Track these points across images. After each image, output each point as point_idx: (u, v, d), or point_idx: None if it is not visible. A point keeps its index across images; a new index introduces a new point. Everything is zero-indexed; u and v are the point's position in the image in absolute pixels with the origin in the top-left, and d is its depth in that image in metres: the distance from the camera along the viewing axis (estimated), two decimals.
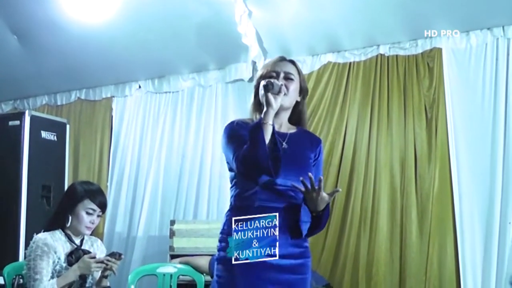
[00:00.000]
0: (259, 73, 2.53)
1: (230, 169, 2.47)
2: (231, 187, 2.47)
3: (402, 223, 4.51)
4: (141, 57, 5.54)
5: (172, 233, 4.80)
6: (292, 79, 2.47)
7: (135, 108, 6.03)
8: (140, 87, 6.02)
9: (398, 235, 4.51)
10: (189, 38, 5.15)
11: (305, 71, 5.03)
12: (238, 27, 4.77)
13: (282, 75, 2.45)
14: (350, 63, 4.92)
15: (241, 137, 2.35)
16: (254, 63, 5.13)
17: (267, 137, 2.28)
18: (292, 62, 2.55)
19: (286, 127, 2.52)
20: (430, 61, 4.58)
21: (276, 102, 2.31)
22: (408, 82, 4.65)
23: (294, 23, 4.80)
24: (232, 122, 2.48)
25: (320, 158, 2.55)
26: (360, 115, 4.80)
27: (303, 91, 2.53)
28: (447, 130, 4.40)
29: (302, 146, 2.49)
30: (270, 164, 2.27)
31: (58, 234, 3.18)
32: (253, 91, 2.54)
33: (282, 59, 2.54)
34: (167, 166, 5.68)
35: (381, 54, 4.78)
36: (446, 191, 4.37)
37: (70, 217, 3.20)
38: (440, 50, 4.53)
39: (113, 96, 6.17)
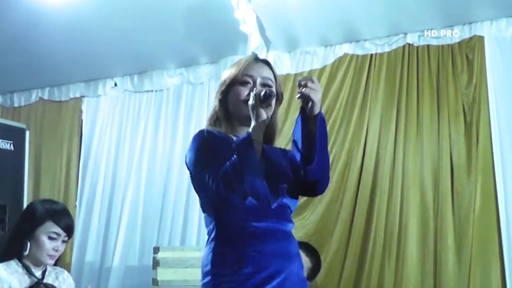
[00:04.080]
0: (228, 75, 2.50)
1: (200, 192, 2.39)
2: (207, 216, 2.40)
3: (435, 249, 4.49)
4: (117, 49, 5.52)
5: (156, 263, 4.75)
6: (271, 86, 2.45)
7: (110, 111, 6.03)
8: (116, 85, 6.04)
9: (431, 265, 4.48)
10: (175, 26, 5.11)
11: (316, 65, 5.08)
12: (235, 12, 4.71)
13: (259, 81, 2.43)
14: (371, 55, 4.92)
15: (219, 150, 2.28)
16: (254, 55, 5.08)
17: (258, 157, 2.22)
18: (268, 63, 2.53)
19: None
20: (470, 52, 4.57)
21: (268, 116, 2.26)
22: (442, 78, 4.64)
23: (303, 7, 4.76)
24: (202, 131, 2.39)
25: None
26: (383, 119, 4.79)
27: (278, 99, 2.49)
28: (490, 136, 4.39)
29: (280, 158, 2.48)
30: (267, 190, 2.22)
31: (14, 265, 3.12)
32: (216, 96, 2.50)
33: (257, 59, 2.52)
34: (149, 181, 5.66)
35: (409, 44, 4.78)
36: (490, 211, 4.33)
37: (28, 244, 3.13)
38: (481, 38, 4.52)
39: (83, 96, 6.18)
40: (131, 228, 5.65)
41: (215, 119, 2.48)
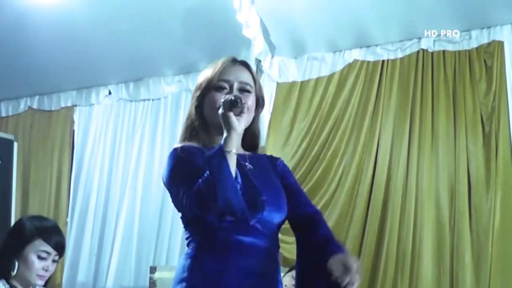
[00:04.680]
0: (203, 79, 2.45)
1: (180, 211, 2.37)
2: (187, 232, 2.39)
3: (452, 268, 4.46)
4: (112, 54, 5.53)
5: (153, 284, 4.72)
6: (249, 92, 2.40)
7: (103, 121, 6.02)
8: (110, 93, 6.04)
9: (447, 285, 4.45)
10: (173, 29, 5.12)
11: (324, 72, 5.05)
12: (237, 15, 4.72)
13: (236, 86, 2.38)
14: (383, 61, 4.91)
15: (193, 166, 2.24)
16: (258, 61, 5.08)
17: (233, 170, 2.17)
18: (247, 66, 2.48)
19: (240, 151, 2.42)
20: (488, 58, 4.55)
21: (240, 125, 2.21)
22: (459, 86, 4.63)
23: (310, 10, 4.77)
24: (176, 149, 2.36)
25: (291, 176, 2.55)
26: (396, 129, 4.77)
27: (259, 104, 2.47)
28: (511, 147, 4.37)
29: (266, 167, 2.47)
30: (244, 204, 2.17)
31: (1, 286, 3.09)
32: (192, 102, 2.47)
33: (234, 61, 2.45)
34: (146, 196, 5.64)
35: (423, 50, 4.77)
36: (511, 227, 4.31)
37: (16, 263, 3.10)
38: (501, 43, 4.50)
39: (75, 105, 6.18)
40: (126, 246, 5.63)
41: (191, 130, 2.45)
